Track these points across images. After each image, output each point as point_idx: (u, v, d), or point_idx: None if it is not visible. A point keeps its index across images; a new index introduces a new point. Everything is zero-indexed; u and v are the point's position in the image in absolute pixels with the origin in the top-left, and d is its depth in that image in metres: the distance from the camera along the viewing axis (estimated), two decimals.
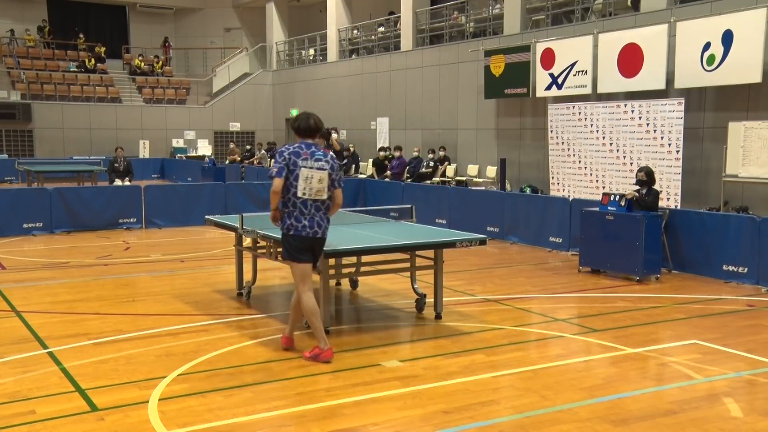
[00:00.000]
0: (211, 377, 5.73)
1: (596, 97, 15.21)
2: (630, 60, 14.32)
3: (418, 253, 7.71)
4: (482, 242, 7.49)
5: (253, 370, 5.89)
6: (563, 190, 15.44)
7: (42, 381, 5.63)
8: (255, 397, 5.33)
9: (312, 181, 6.07)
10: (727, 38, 12.59)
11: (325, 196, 6.16)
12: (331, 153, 6.29)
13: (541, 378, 5.77)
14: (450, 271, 9.29)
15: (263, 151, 25.99)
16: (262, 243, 8.09)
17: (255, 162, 24.83)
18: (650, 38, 13.98)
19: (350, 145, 21.81)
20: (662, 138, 13.34)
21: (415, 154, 19.76)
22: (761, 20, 12.11)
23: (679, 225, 10.20)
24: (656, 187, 10.26)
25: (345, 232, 7.89)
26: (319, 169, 6.09)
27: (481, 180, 18.70)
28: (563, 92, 15.96)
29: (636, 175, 10.31)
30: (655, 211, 9.82)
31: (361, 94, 24.32)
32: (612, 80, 14.75)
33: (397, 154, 19.46)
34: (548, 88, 16.33)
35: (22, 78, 28.53)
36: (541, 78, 16.46)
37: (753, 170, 12.05)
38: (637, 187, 9.93)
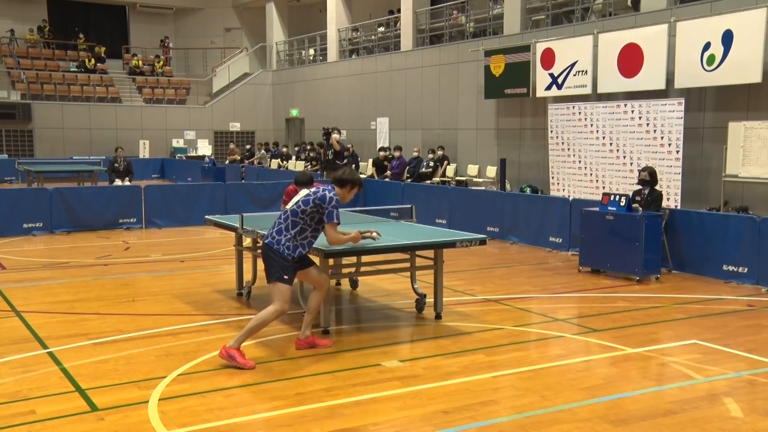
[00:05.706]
0: (211, 377, 5.73)
1: (596, 97, 15.20)
2: (630, 60, 14.32)
3: (418, 253, 7.71)
4: (482, 242, 7.49)
5: (253, 370, 5.88)
6: (563, 190, 15.43)
7: (42, 381, 5.63)
8: (255, 397, 5.33)
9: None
10: (727, 38, 12.59)
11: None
12: (317, 192, 6.16)
13: (541, 378, 5.77)
14: (450, 271, 9.28)
15: (263, 151, 26.00)
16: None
17: (255, 162, 24.84)
18: (650, 38, 13.97)
19: (349, 145, 21.79)
20: (662, 138, 13.33)
21: (415, 154, 19.75)
22: (761, 20, 12.11)
23: (679, 225, 10.19)
24: (657, 187, 10.28)
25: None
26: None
27: (481, 180, 18.69)
28: (563, 92, 15.95)
29: (639, 174, 10.32)
30: (656, 211, 9.83)
31: (361, 94, 24.31)
32: (612, 80, 14.75)
33: (397, 154, 19.45)
34: (548, 88, 16.33)
35: (22, 78, 28.53)
36: (541, 78, 16.46)
37: (753, 170, 12.05)
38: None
